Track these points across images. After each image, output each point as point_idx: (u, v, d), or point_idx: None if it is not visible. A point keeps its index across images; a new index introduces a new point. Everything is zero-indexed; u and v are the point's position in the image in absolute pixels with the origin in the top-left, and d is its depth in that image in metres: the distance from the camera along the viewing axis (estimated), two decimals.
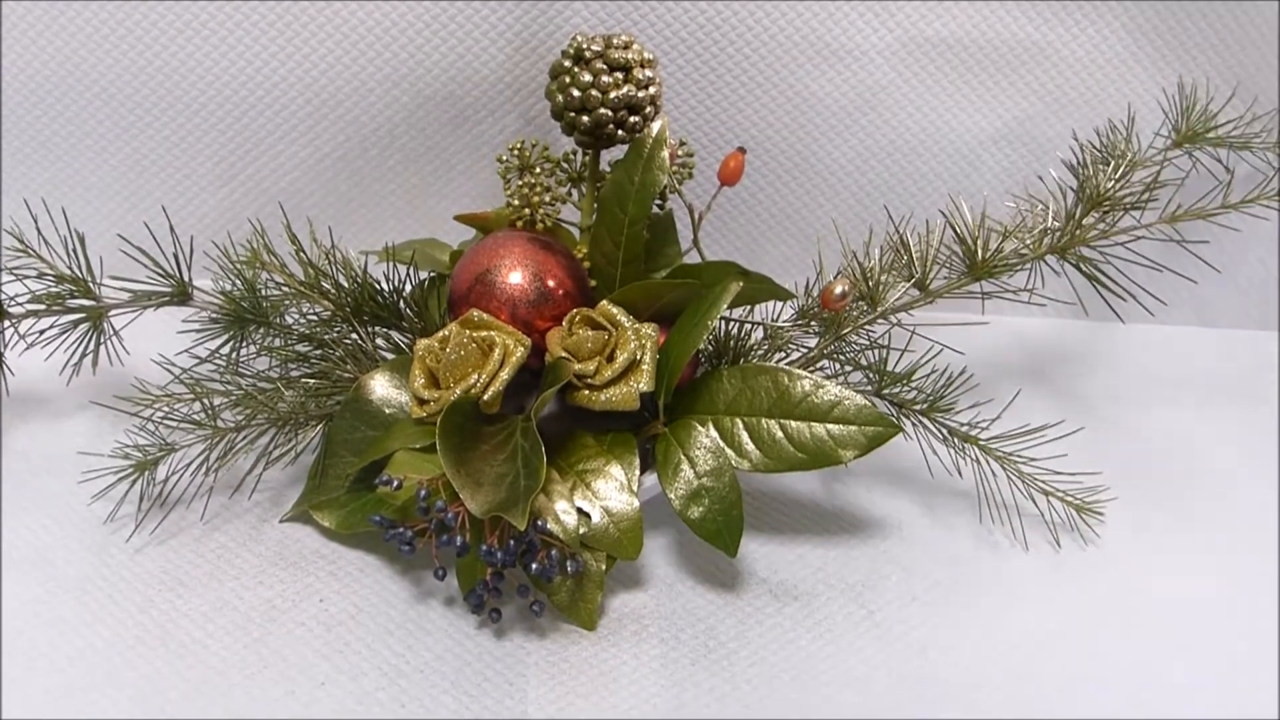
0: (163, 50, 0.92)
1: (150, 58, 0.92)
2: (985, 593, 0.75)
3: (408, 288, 0.81)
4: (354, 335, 0.79)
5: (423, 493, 0.65)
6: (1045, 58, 0.97)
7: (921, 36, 0.95)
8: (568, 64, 0.76)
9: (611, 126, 0.76)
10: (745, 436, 0.71)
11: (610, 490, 0.70)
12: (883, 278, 0.80)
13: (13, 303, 0.77)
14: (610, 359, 0.72)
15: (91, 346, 0.77)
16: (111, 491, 0.75)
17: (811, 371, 0.73)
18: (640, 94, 0.76)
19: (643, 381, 0.71)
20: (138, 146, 0.96)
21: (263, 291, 0.78)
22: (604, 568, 0.70)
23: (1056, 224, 0.81)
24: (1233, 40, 0.97)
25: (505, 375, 0.71)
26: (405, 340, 0.80)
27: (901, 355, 0.79)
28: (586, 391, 0.72)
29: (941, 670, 0.68)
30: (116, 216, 0.99)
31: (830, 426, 0.70)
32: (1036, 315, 1.03)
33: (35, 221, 0.79)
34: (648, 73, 0.76)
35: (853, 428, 0.70)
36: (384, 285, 0.80)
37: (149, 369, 0.80)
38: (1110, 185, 0.80)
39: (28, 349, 0.77)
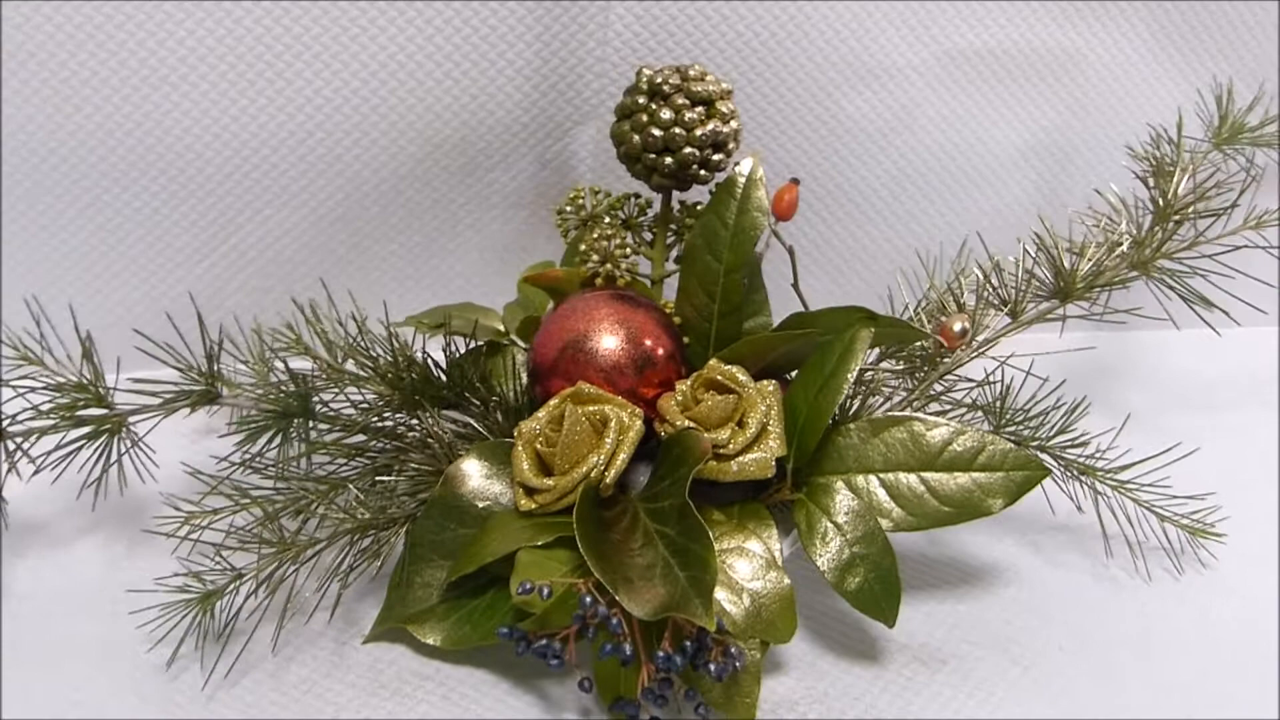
0: (134, 110, 0.81)
1: (120, 119, 0.81)
2: (1125, 632, 0.71)
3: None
4: (415, 421, 0.69)
5: (588, 599, 0.57)
6: (1074, 64, 0.94)
7: (955, 49, 0.91)
8: (642, 100, 0.69)
9: (695, 166, 0.70)
10: (883, 494, 0.66)
11: (755, 569, 0.63)
12: (977, 308, 0.75)
13: (12, 421, 0.65)
14: (741, 424, 0.65)
15: (113, 460, 0.66)
16: (158, 630, 0.64)
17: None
18: (725, 129, 0.69)
19: (775, 446, 0.64)
20: (109, 218, 0.84)
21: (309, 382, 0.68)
22: (759, 656, 0.63)
23: (1132, 237, 0.78)
24: (1258, 39, 0.96)
25: (624, 454, 0.63)
26: (474, 423, 0.71)
27: (1020, 389, 0.74)
28: (714, 462, 0.64)
29: None
30: (84, 299, 0.86)
31: (976, 475, 0.65)
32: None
33: (37, 324, 0.67)
34: (730, 105, 0.70)
35: (999, 474, 0.65)
36: (441, 360, 0.71)
37: (172, 480, 0.69)
38: (1190, 194, 0.77)
39: (36, 473, 0.65)
